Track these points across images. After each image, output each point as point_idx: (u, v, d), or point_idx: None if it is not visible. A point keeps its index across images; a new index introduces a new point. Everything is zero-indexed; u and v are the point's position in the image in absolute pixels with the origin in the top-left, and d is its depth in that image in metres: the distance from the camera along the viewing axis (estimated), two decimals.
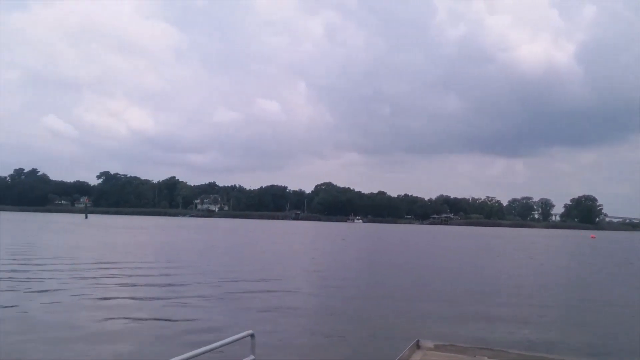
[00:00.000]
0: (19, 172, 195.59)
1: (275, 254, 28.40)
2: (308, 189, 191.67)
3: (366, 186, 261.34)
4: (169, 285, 14.98)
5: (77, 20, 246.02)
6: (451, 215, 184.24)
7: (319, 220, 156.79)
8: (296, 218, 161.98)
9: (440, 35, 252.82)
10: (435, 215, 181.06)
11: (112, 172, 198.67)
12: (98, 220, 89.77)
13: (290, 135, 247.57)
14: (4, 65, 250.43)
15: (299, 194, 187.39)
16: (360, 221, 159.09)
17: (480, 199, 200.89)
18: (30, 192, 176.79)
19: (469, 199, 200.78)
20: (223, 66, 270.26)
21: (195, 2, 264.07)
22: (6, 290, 12.72)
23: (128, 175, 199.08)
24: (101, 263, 19.93)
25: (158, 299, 12.61)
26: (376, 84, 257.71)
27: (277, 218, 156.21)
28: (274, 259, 25.26)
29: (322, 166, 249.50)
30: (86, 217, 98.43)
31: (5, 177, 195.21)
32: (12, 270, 16.59)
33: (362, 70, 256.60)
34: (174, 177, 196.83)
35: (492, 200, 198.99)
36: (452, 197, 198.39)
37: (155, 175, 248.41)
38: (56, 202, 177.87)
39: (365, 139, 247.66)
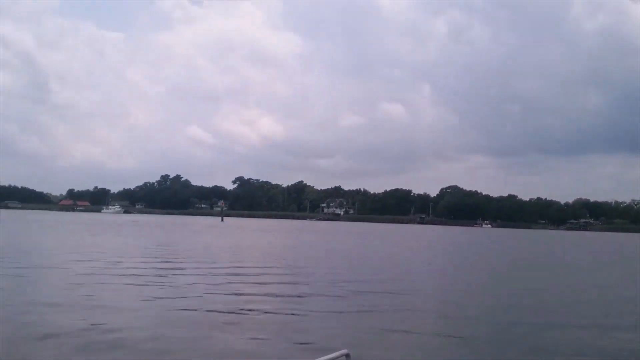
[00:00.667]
0: (165, 177, 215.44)
1: (403, 261, 28.22)
2: (433, 192, 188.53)
3: (494, 189, 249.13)
4: (291, 283, 15.94)
5: (215, 36, 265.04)
6: (591, 220, 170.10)
7: (445, 224, 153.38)
8: (421, 222, 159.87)
9: (577, 28, 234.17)
10: (572, 220, 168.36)
11: (246, 177, 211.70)
12: (232, 222, 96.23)
13: (415, 138, 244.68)
14: (153, 80, 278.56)
15: (424, 197, 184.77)
16: (489, 226, 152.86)
17: (625, 202, 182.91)
18: (174, 196, 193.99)
19: (611, 203, 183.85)
20: (347, 71, 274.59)
21: (320, 10, 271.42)
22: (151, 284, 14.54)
23: (260, 180, 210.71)
24: (230, 264, 21.40)
25: (273, 295, 13.31)
26: (505, 83, 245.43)
27: (402, 222, 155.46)
28: (401, 267, 24.12)
29: (447, 169, 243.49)
30: (222, 220, 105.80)
31: (154, 183, 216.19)
32: (158, 266, 18.83)
33: (489, 69, 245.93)
34: (302, 181, 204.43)
35: (638, 204, 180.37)
36: (591, 200, 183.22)
37: (285, 179, 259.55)
38: (197, 205, 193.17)
39: (492, 141, 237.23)
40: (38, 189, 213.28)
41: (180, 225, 69.45)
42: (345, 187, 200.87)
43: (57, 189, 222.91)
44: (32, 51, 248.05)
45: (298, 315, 11.02)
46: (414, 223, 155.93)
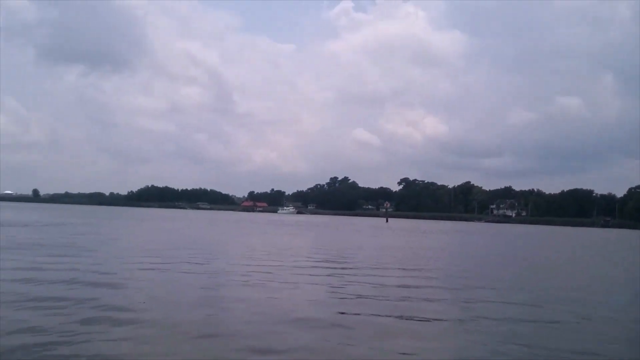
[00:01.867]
0: (333, 180, 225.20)
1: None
2: (619, 192, 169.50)
3: None
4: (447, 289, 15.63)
5: (378, 39, 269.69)
6: None
7: (635, 228, 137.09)
8: (605, 225, 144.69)
9: None
10: None
11: (411, 178, 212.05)
12: (396, 223, 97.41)
13: (596, 134, 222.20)
14: (321, 87, 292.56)
15: (608, 198, 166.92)
16: None
17: None
18: (342, 197, 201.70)
19: None
20: (515, 66, 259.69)
21: (484, 5, 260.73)
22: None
23: (425, 181, 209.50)
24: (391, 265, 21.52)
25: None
26: None
27: (582, 225, 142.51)
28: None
29: (636, 167, 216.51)
30: (387, 221, 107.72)
31: (324, 185, 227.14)
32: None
33: None
34: (469, 181, 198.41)
35: None
36: None
37: (451, 180, 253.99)
38: (364, 206, 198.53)
39: None
40: (224, 192, 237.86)
41: (346, 225, 72.67)
42: (516, 188, 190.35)
43: (240, 191, 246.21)
44: (217, 67, 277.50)
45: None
46: (596, 226, 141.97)
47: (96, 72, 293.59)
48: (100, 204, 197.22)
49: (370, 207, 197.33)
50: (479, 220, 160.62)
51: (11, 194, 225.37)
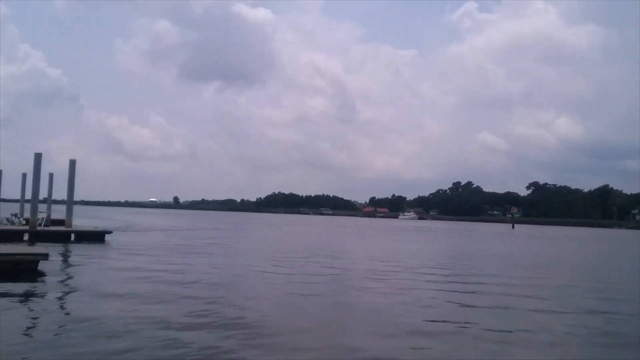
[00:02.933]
0: (456, 185, 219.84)
1: None
2: None
3: None
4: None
5: (504, 39, 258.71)
6: None
7: None
8: None
9: None
10: None
11: (542, 182, 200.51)
12: (524, 230, 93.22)
13: None
14: (444, 92, 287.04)
15: None
16: None
17: None
18: (465, 203, 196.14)
19: None
20: None
21: None
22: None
23: (557, 185, 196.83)
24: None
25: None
26: None
27: None
28: None
29: None
30: (513, 227, 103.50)
31: (446, 190, 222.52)
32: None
33: None
34: (607, 185, 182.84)
35: None
36: None
37: (587, 184, 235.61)
38: (489, 212, 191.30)
39: None
40: (346, 198, 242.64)
41: (467, 232, 71.38)
42: None
43: (362, 197, 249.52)
44: (341, 77, 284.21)
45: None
46: None
47: (231, 88, 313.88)
48: (232, 210, 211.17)
49: (496, 212, 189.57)
50: (619, 227, 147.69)
51: (155, 201, 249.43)
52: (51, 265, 15.22)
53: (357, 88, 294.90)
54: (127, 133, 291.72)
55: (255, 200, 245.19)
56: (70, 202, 29.45)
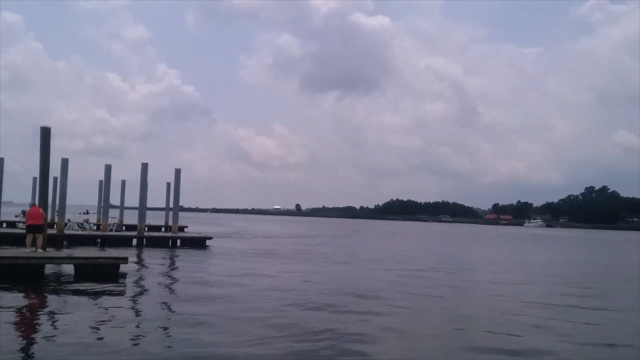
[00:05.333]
0: (589, 190, 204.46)
1: None
2: None
3: None
4: None
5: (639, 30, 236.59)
6: None
7: None
8: None
9: None
10: None
11: None
12: None
13: None
14: (575, 89, 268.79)
15: None
16: None
17: None
18: (599, 209, 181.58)
19: None
20: None
21: None
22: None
23: None
24: None
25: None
26: None
27: None
28: None
29: None
30: None
31: (578, 196, 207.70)
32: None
33: None
34: None
35: None
36: None
37: None
38: (627, 219, 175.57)
39: None
40: (467, 204, 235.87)
41: (603, 241, 66.93)
42: None
43: (484, 204, 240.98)
44: (461, 79, 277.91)
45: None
46: None
47: (350, 96, 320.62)
48: (351, 217, 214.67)
49: (635, 219, 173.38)
50: None
51: (279, 208, 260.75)
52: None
53: (478, 90, 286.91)
54: (253, 143, 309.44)
55: (373, 207, 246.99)
56: (176, 208, 32.04)
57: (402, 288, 15.84)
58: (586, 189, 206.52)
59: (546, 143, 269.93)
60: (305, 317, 10.75)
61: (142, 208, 29.17)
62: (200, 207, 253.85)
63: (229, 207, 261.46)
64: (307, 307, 11.97)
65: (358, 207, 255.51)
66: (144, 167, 28.90)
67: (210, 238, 30.55)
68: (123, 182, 38.80)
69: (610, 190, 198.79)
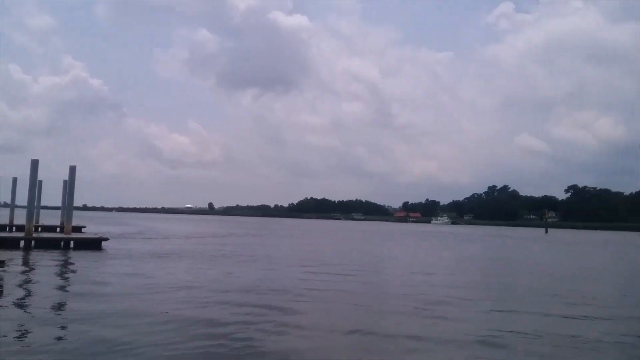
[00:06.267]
0: (492, 189, 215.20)
1: None
2: None
3: None
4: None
5: (545, 39, 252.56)
6: None
7: None
8: None
9: None
10: None
11: (582, 185, 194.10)
12: (558, 235, 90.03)
13: None
14: (483, 94, 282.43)
15: None
16: None
17: None
18: (501, 207, 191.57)
19: None
20: None
21: None
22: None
23: (597, 189, 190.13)
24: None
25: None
26: None
27: None
28: None
29: None
30: (546, 232, 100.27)
31: (481, 194, 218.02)
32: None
33: None
34: None
35: None
36: None
37: (629, 187, 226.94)
38: (525, 217, 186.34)
39: None
40: (380, 203, 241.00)
41: (498, 238, 69.34)
42: None
43: (396, 202, 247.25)
44: (377, 81, 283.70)
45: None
46: None
47: (269, 94, 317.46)
48: (265, 215, 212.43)
49: (532, 217, 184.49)
50: None
51: (191, 207, 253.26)
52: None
53: (393, 92, 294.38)
54: (166, 140, 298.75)
55: (288, 205, 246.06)
56: (70, 207, 29.46)
57: (307, 285, 15.66)
58: (489, 188, 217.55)
59: (456, 144, 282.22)
60: (203, 316, 10.25)
61: (31, 207, 26.50)
62: (106, 206, 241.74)
63: (138, 206, 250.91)
64: (205, 306, 11.46)
65: (273, 206, 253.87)
66: (34, 164, 26.32)
67: (106, 239, 28.05)
68: (14, 180, 37.61)
69: (510, 190, 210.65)
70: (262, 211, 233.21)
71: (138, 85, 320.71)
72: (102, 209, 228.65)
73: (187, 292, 13.46)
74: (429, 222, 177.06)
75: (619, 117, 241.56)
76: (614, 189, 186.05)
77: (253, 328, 9.36)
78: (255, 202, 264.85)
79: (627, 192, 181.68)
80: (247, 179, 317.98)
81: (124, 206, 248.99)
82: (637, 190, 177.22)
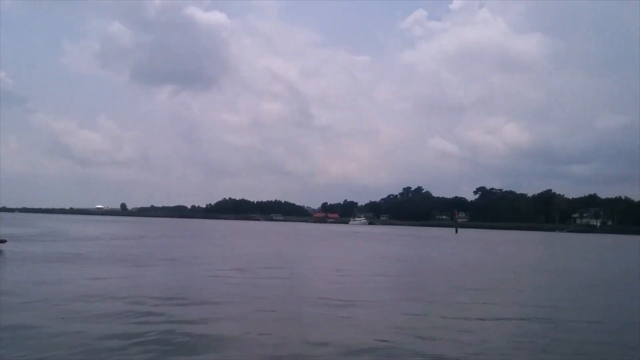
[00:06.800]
0: (407, 190, 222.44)
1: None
2: None
3: None
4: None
5: (457, 47, 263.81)
6: None
7: None
8: None
9: None
10: None
11: (491, 187, 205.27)
12: (467, 234, 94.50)
13: None
14: (399, 98, 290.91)
15: None
16: None
17: None
18: (415, 208, 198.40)
19: None
20: (604, 68, 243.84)
21: (567, 5, 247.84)
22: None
23: (503, 190, 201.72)
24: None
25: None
26: None
27: None
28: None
29: None
30: (456, 232, 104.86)
31: (397, 195, 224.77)
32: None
33: None
34: (550, 190, 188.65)
35: None
36: None
37: (532, 189, 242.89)
38: (437, 217, 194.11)
39: None
40: (299, 203, 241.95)
41: (408, 237, 71.62)
42: (602, 196, 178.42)
43: (315, 203, 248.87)
44: (297, 82, 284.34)
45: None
46: None
47: (186, 91, 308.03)
48: (181, 216, 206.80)
49: (444, 217, 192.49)
50: (561, 230, 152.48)
51: (102, 208, 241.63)
52: None
53: (313, 93, 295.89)
54: (76, 137, 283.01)
55: (205, 206, 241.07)
56: None
57: (218, 289, 15.32)
58: (404, 189, 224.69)
59: (374, 146, 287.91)
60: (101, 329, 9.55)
61: None
62: (8, 206, 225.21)
63: (44, 207, 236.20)
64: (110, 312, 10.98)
65: (189, 207, 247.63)
66: None
67: (3, 241, 25.91)
68: None
69: (424, 191, 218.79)
70: (179, 212, 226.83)
71: (45, 79, 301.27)
72: (3, 209, 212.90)
73: (86, 301, 12.48)
74: (346, 222, 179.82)
75: (524, 123, 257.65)
76: (518, 191, 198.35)
77: (154, 338, 8.93)
78: (171, 202, 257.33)
79: (530, 193, 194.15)
80: (162, 178, 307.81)
81: (29, 206, 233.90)
82: (539, 192, 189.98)
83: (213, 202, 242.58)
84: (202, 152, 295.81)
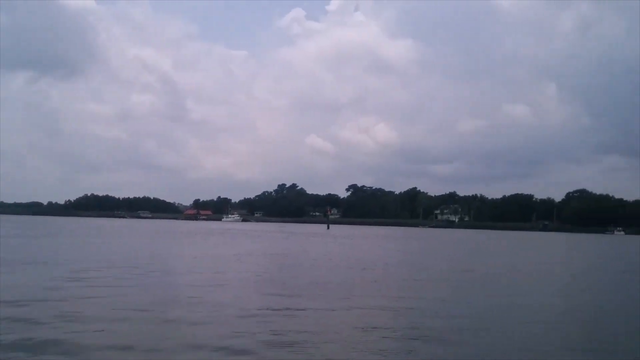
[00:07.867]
0: (281, 187, 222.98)
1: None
2: (558, 197, 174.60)
3: (629, 193, 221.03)
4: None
5: (333, 48, 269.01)
6: None
7: (571, 231, 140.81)
8: (544, 229, 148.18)
9: None
10: None
11: (362, 184, 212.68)
12: (337, 230, 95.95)
13: (541, 141, 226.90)
14: (276, 94, 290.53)
15: (547, 202, 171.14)
16: (622, 233, 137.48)
17: None
18: (289, 204, 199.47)
19: None
20: (466, 74, 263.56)
21: (435, 14, 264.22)
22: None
23: (374, 188, 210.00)
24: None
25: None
26: None
27: (522, 229, 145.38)
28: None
29: (577, 172, 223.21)
30: (328, 228, 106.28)
31: (271, 192, 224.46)
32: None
33: (625, 64, 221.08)
34: (415, 188, 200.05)
35: None
36: None
37: (400, 187, 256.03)
38: (311, 213, 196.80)
39: (632, 140, 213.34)
40: (170, 200, 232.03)
41: (276, 233, 70.60)
42: (461, 193, 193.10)
43: (187, 199, 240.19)
44: (171, 74, 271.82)
45: None
46: (535, 230, 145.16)
47: (46, 78, 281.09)
48: (36, 213, 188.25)
49: (317, 214, 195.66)
50: (424, 225, 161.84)
51: None
52: None
53: (188, 86, 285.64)
54: None
55: (64, 203, 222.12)
56: None
57: (71, 292, 13.27)
58: (279, 186, 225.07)
59: (250, 142, 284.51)
60: None
61: None
62: None
63: None
64: None
65: (46, 203, 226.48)
66: None
67: None
68: None
69: (298, 188, 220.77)
70: (33, 209, 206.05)
71: None
72: None
73: None
74: (219, 219, 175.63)
75: (394, 123, 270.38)
76: (387, 188, 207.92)
77: None
78: (24, 198, 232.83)
79: (397, 191, 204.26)
80: (14, 172, 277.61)
81: None
82: (406, 189, 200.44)
83: (73, 198, 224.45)
84: (62, 144, 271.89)
